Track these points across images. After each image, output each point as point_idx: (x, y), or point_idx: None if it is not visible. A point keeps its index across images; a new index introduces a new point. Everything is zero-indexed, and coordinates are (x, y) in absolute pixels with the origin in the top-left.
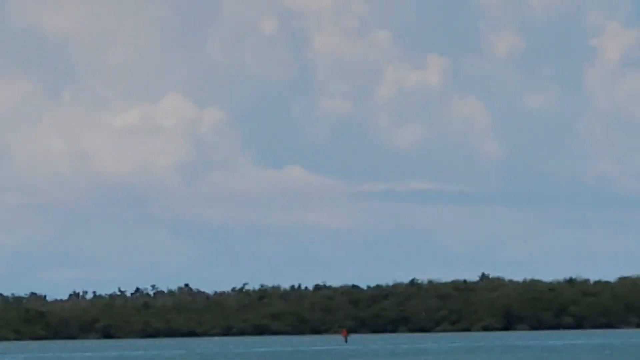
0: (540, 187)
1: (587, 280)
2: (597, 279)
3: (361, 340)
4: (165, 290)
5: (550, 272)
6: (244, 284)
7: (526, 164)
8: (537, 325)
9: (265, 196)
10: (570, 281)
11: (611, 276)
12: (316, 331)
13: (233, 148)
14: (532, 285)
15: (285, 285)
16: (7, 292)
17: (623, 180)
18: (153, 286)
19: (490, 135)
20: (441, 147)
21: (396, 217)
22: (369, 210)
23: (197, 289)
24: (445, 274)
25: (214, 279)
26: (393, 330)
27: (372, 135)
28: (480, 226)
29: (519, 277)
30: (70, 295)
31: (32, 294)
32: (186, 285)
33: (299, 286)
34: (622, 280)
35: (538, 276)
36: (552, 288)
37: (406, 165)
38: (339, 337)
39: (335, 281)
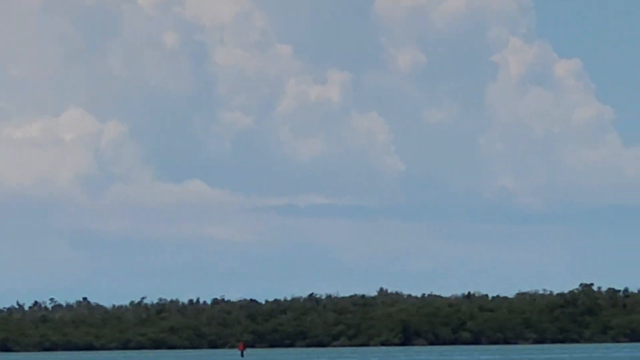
0: (440, 202)
1: (485, 296)
2: (495, 294)
3: (258, 355)
4: (64, 304)
5: (449, 287)
6: (142, 298)
7: (426, 178)
8: (435, 341)
9: (165, 210)
10: (469, 296)
11: (509, 291)
12: (214, 345)
13: (133, 161)
14: (430, 300)
15: (184, 299)
16: None
17: (523, 195)
18: (52, 299)
19: (391, 150)
20: (341, 162)
21: (296, 232)
22: (269, 224)
23: (96, 303)
24: (343, 289)
25: (113, 292)
26: (291, 345)
27: (272, 149)
28: (380, 241)
29: (417, 292)
30: None
31: None
32: (84, 298)
33: (197, 300)
34: (520, 295)
35: (437, 291)
36: (451, 303)
37: (306, 180)
38: (236, 352)
39: (233, 295)
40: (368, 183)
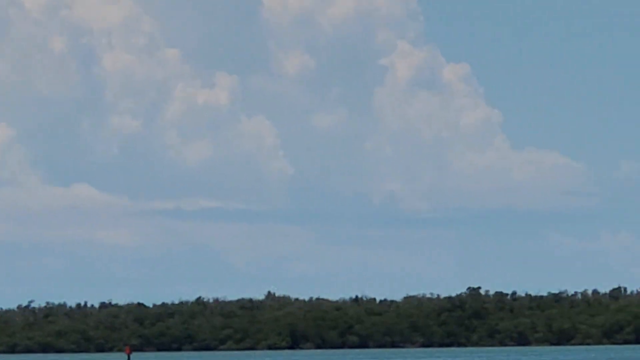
0: (328, 206)
1: (373, 299)
2: (383, 297)
3: (144, 359)
4: None
5: (337, 291)
6: (30, 302)
7: (315, 182)
8: (323, 344)
9: (52, 213)
10: (356, 300)
11: (397, 295)
12: (101, 349)
13: (21, 165)
14: (318, 304)
15: (71, 302)
16: None
17: (410, 200)
18: None
19: (279, 154)
20: (230, 166)
21: (184, 235)
22: (157, 228)
23: None
24: (231, 292)
25: (0, 296)
26: (179, 349)
27: (160, 153)
28: (268, 244)
29: (305, 296)
30: None
31: None
32: None
33: (85, 304)
34: (408, 299)
35: (325, 295)
36: (338, 307)
37: (195, 183)
38: (123, 355)
39: (121, 299)
40: (256, 187)
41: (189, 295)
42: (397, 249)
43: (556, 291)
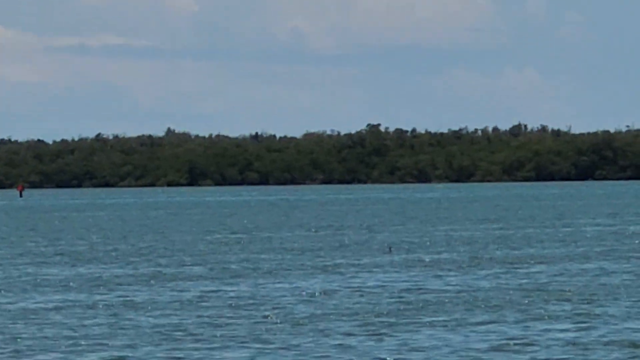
0: (233, 42)
1: (273, 136)
2: (283, 134)
3: (36, 196)
4: None
5: (238, 128)
6: None
7: (219, 19)
8: (222, 181)
9: None
10: (256, 137)
11: (297, 132)
12: (1, 186)
13: None
14: (217, 141)
15: None
16: None
17: (316, 37)
18: None
19: None
20: (135, 2)
21: (87, 72)
22: (60, 64)
23: None
24: (132, 129)
25: None
26: (78, 185)
27: None
28: (172, 81)
29: (205, 133)
30: None
31: None
32: None
33: None
34: (308, 136)
35: (225, 132)
36: (238, 144)
37: (100, 20)
38: (15, 192)
39: (20, 135)
40: (161, 23)
41: (89, 132)
42: (300, 86)
43: (456, 128)
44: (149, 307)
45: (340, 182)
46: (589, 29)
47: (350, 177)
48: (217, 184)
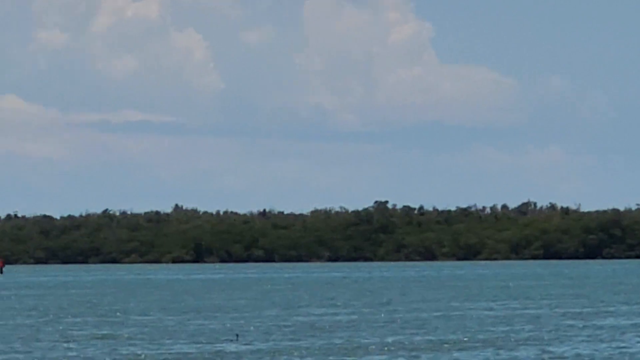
0: (255, 120)
1: (280, 213)
2: (291, 211)
3: (17, 271)
4: None
5: (247, 204)
6: None
7: (242, 96)
8: (227, 258)
9: None
10: (264, 213)
11: (305, 209)
12: (8, 262)
13: None
14: (225, 217)
15: None
16: None
17: (338, 114)
18: None
19: (209, 68)
20: (158, 79)
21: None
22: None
23: None
24: (139, 205)
25: None
26: (84, 261)
27: (88, 65)
28: (186, 157)
29: (213, 209)
30: None
31: None
32: None
33: None
34: (315, 212)
35: (234, 208)
36: (246, 220)
37: (121, 96)
38: None
39: (27, 211)
40: (184, 100)
41: (97, 208)
42: (315, 162)
43: (464, 206)
44: None
45: (347, 259)
46: (608, 106)
47: (357, 255)
48: (223, 260)
